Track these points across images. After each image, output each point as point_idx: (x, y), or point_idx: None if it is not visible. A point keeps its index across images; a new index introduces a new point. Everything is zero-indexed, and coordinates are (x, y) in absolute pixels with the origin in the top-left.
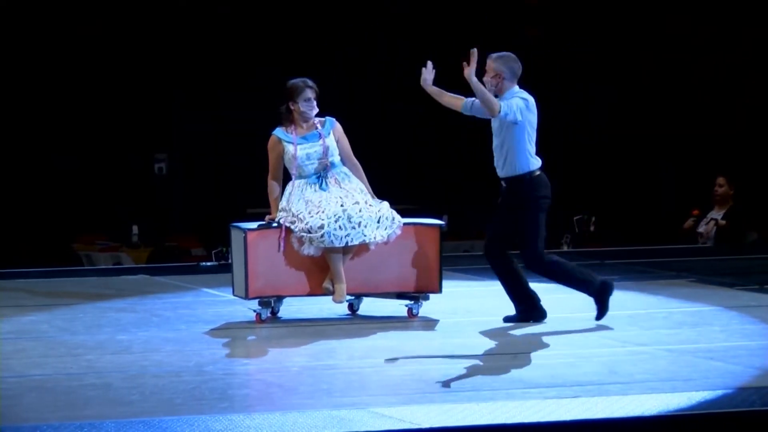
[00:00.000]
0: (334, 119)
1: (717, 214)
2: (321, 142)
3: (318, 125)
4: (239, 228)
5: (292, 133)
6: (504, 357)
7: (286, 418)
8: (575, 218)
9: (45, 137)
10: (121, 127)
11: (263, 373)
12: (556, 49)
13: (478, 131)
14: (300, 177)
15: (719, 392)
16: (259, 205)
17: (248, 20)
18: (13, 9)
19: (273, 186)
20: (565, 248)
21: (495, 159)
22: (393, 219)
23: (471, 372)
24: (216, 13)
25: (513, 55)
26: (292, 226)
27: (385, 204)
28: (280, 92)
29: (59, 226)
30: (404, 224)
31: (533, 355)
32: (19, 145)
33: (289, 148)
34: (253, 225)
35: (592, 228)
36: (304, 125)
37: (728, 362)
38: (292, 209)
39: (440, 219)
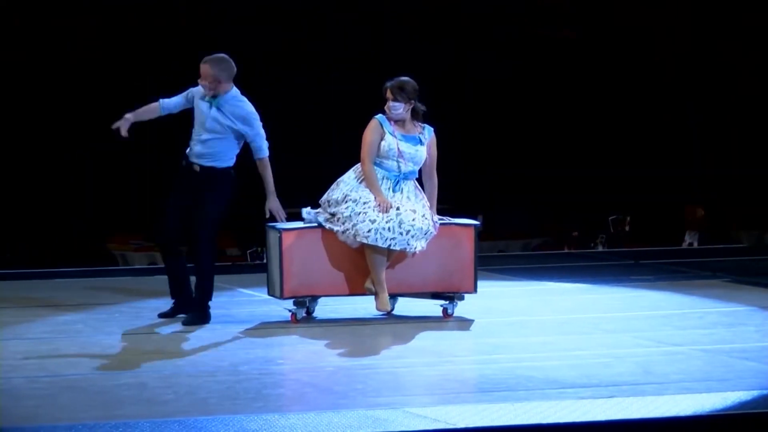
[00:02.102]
0: (432, 129)
1: (692, 236)
2: (417, 148)
3: (420, 130)
4: (274, 228)
5: (392, 126)
6: (538, 357)
7: (320, 417)
8: (610, 218)
9: (80, 138)
10: (153, 127)
11: (298, 373)
12: (591, 51)
13: (513, 131)
14: (382, 169)
15: (754, 392)
16: (294, 205)
17: (276, 22)
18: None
19: (374, 170)
20: (600, 248)
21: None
22: (435, 226)
23: (506, 372)
24: (249, 14)
25: (227, 57)
26: (339, 207)
27: (436, 219)
28: (307, 91)
29: (94, 226)
30: (440, 224)
31: (568, 355)
32: (54, 145)
33: (391, 140)
34: (289, 225)
35: (627, 228)
36: (404, 124)
37: (763, 362)
38: (361, 190)
39: (475, 219)
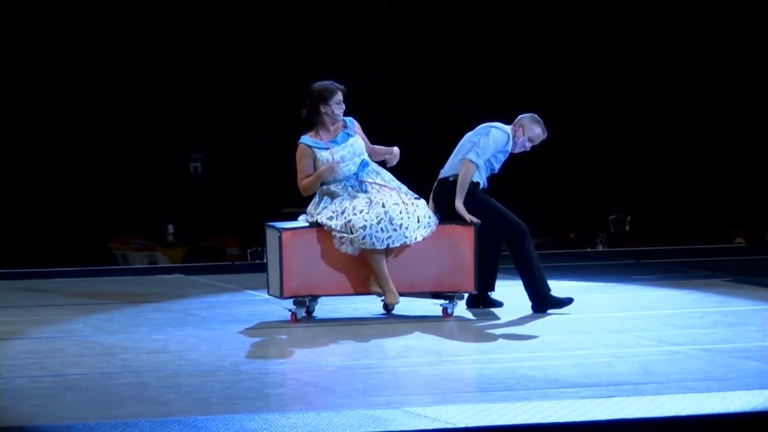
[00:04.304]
0: (351, 117)
1: None
2: (351, 141)
3: (342, 125)
4: (274, 227)
5: (320, 139)
6: (539, 357)
7: (321, 417)
8: (610, 218)
9: (80, 138)
10: (157, 126)
11: (298, 373)
12: (591, 51)
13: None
14: (336, 181)
15: (755, 392)
16: (295, 205)
17: (276, 22)
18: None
19: (308, 178)
20: (600, 248)
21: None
22: (430, 216)
23: (506, 371)
24: (249, 14)
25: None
26: (331, 222)
27: (422, 201)
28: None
29: (95, 226)
30: (440, 223)
31: (568, 354)
32: (54, 145)
33: (324, 155)
34: (289, 224)
35: (627, 227)
36: (331, 128)
37: (764, 362)
38: (334, 205)
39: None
